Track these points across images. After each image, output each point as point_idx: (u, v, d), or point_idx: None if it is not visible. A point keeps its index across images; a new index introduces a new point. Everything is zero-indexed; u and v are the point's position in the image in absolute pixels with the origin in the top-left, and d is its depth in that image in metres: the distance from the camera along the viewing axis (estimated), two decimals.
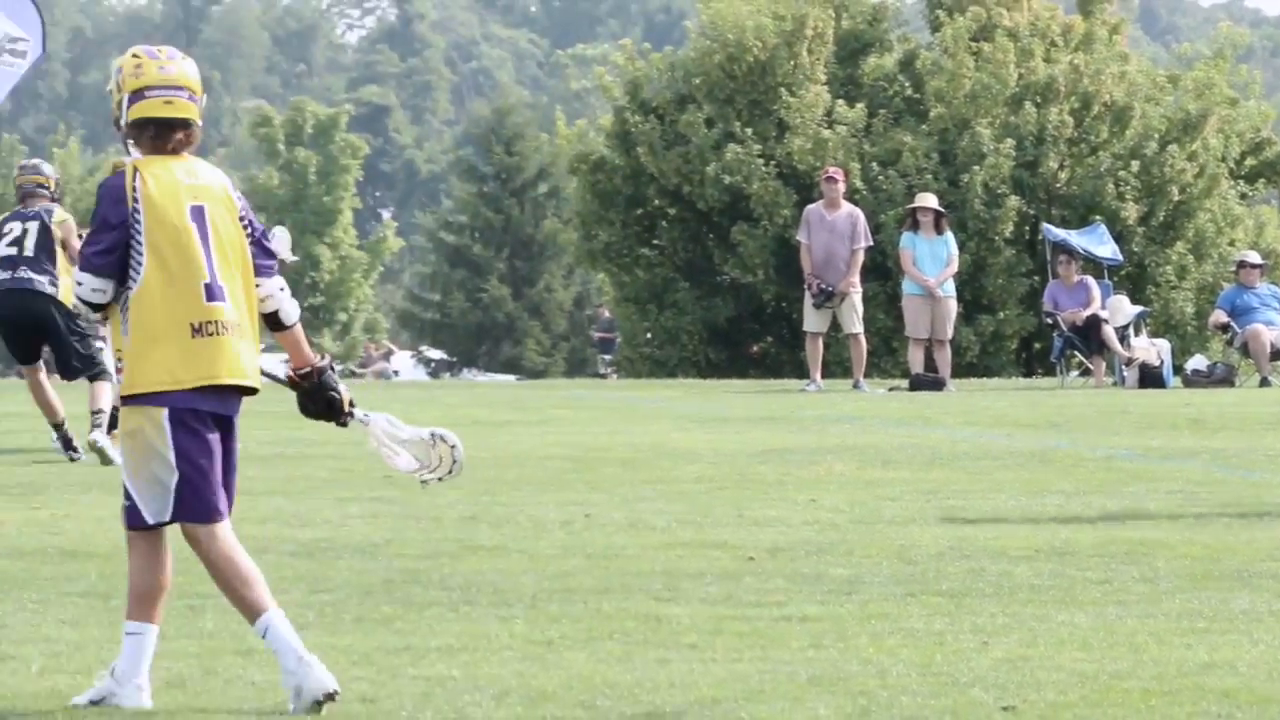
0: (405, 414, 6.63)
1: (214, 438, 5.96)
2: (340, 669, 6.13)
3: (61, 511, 10.76)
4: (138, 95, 6.03)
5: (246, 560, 5.98)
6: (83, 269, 6.00)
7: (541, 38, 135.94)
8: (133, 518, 5.95)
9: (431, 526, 10.04)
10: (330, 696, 5.83)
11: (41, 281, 13.42)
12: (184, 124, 6.06)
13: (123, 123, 6.07)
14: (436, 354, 59.37)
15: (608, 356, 43.80)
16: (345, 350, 55.75)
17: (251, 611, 5.96)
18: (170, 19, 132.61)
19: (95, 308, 6.00)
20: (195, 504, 5.92)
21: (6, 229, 13.66)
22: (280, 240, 12.29)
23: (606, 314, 43.33)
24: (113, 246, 5.95)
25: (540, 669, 6.55)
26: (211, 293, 5.96)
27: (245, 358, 6.01)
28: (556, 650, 6.90)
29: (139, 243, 5.94)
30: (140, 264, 5.95)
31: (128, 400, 5.98)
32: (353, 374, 41.16)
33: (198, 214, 6.00)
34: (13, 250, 13.49)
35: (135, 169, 6.00)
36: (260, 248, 6.16)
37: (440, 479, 6.48)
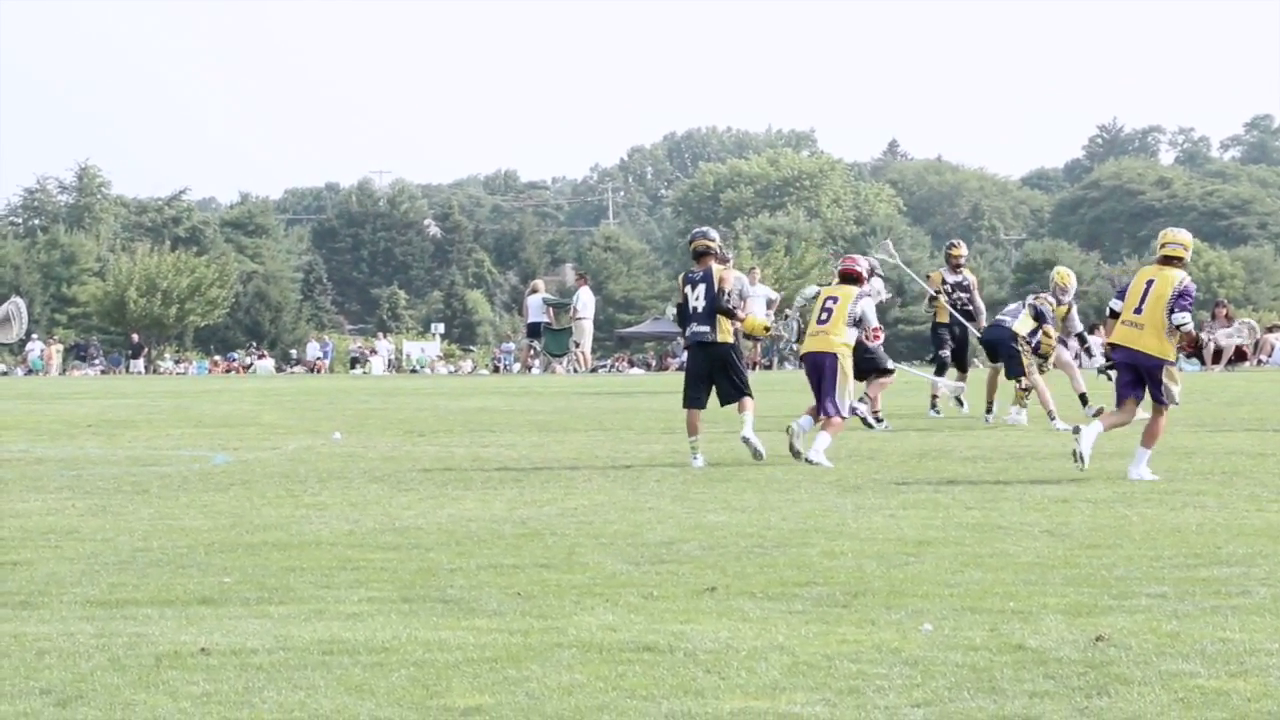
0: None
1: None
2: None
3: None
4: (1162, 248, 14.76)
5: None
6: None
7: None
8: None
9: None
10: None
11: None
12: (1167, 257, 14.61)
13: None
14: None
15: None
16: None
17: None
18: None
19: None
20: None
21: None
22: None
23: None
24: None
25: None
26: (1139, 310, 14.40)
27: (1143, 341, 14.39)
28: None
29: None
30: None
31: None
32: None
33: (1148, 283, 14.50)
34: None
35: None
36: (1176, 298, 14.31)
37: None
